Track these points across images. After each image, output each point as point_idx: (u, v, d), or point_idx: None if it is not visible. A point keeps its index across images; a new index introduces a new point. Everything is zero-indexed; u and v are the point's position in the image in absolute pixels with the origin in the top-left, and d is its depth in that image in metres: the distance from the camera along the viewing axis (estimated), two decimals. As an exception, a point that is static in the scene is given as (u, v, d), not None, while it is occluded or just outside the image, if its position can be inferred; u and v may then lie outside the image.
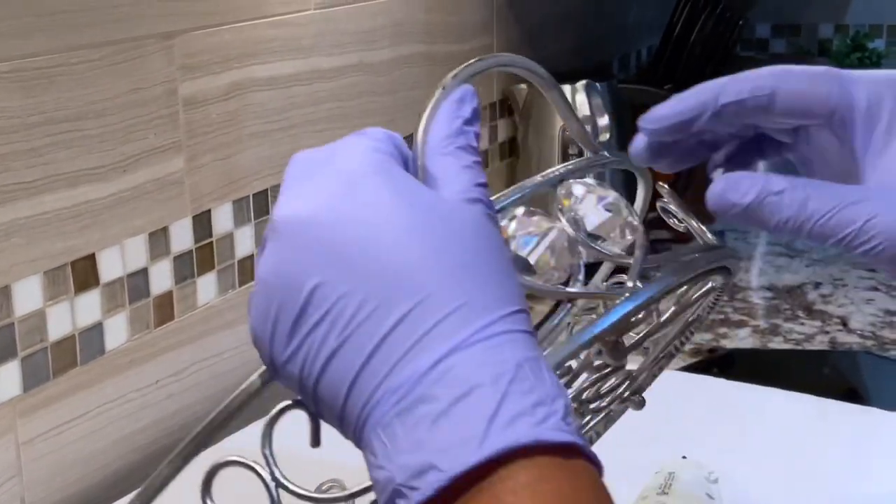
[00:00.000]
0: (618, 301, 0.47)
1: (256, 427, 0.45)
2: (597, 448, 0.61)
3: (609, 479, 0.39)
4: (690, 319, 0.58)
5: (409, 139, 0.43)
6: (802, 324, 1.29)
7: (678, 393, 1.07)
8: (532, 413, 0.36)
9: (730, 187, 0.46)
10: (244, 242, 1.07)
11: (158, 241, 0.97)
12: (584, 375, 0.53)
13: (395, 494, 0.37)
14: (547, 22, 1.61)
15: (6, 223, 0.82)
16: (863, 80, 0.48)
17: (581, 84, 0.44)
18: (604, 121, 0.46)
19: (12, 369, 0.84)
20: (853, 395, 1.20)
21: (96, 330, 0.91)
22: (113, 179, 0.92)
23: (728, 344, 1.26)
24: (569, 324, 0.52)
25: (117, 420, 0.94)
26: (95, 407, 0.92)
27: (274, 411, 0.43)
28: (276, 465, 0.44)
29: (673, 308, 0.55)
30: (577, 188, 0.50)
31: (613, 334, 0.48)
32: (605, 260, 0.50)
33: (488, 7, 1.45)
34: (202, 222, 1.01)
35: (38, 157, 0.84)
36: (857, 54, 1.93)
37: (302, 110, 1.12)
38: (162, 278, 0.97)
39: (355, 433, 0.39)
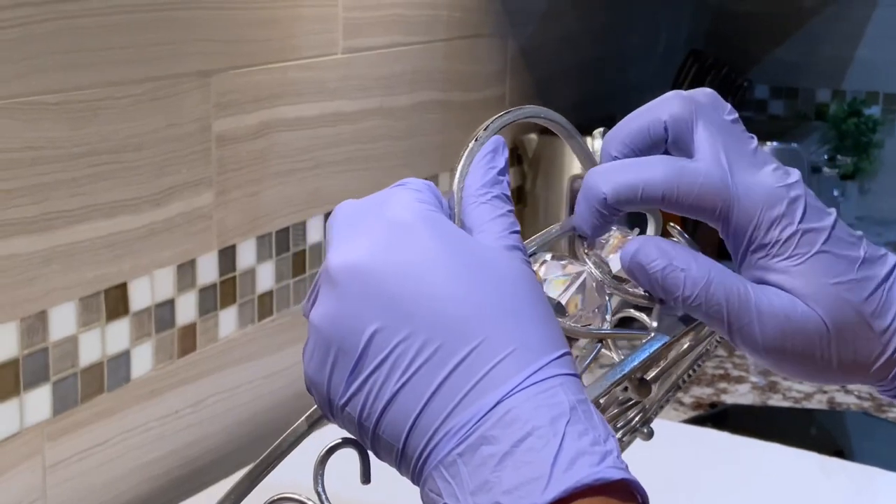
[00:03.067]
0: (644, 340, 0.50)
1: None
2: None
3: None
4: (701, 352, 0.61)
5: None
6: (801, 382, 1.32)
7: (686, 446, 1.10)
8: (591, 453, 0.39)
9: (642, 251, 0.49)
10: (265, 278, 1.09)
11: (186, 273, 0.99)
12: (611, 410, 0.56)
13: None
14: (557, 74, 1.64)
15: (47, 250, 0.84)
16: (746, 193, 0.50)
17: (598, 132, 0.46)
18: None
19: (44, 393, 0.85)
20: (842, 453, 1.22)
21: (124, 358, 0.93)
22: (146, 211, 0.94)
23: (728, 399, 1.28)
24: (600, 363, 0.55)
25: (137, 448, 0.96)
26: (118, 434, 0.93)
27: (324, 450, 0.45)
28: (328, 501, 0.46)
29: (689, 342, 0.57)
30: None
31: (640, 371, 0.51)
32: (630, 301, 0.53)
33: (502, 58, 1.49)
34: (227, 256, 1.03)
35: (79, 187, 0.87)
36: (853, 120, 1.97)
37: (325, 151, 1.15)
38: (187, 310, 0.99)
39: (415, 471, 0.41)
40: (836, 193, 1.89)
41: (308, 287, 1.15)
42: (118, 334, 0.92)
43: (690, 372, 0.63)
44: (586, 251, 0.51)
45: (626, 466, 0.40)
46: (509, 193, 0.46)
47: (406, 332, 0.41)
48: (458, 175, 0.45)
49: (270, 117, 1.07)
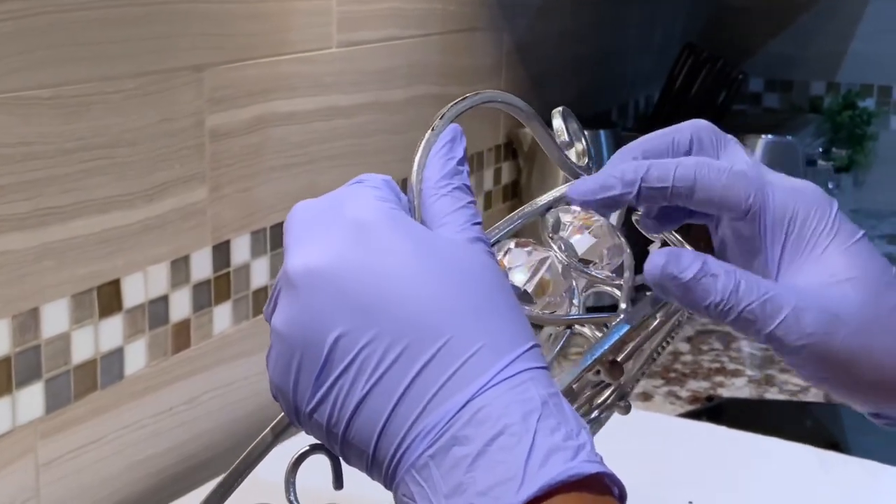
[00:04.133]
0: (614, 323, 0.49)
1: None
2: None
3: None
4: (673, 325, 0.60)
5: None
6: (797, 375, 1.32)
7: (682, 440, 1.09)
8: (564, 448, 0.38)
9: (672, 261, 0.47)
10: (260, 274, 1.08)
11: (179, 269, 0.98)
12: (584, 393, 0.55)
13: None
14: (552, 69, 1.64)
15: (39, 246, 0.84)
16: (780, 187, 0.50)
17: (557, 111, 0.45)
18: (581, 145, 0.48)
19: (37, 391, 0.85)
20: (838, 446, 1.22)
21: (117, 355, 0.92)
22: (140, 207, 0.93)
23: (725, 393, 1.28)
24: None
25: (131, 446, 0.95)
26: (112, 432, 0.93)
27: (293, 458, 0.45)
28: None
29: (660, 318, 0.56)
30: (565, 215, 0.52)
31: (611, 354, 0.50)
32: (596, 283, 0.52)
33: (497, 53, 1.48)
34: (221, 252, 1.03)
35: (72, 182, 0.86)
36: (848, 112, 1.97)
37: (320, 146, 1.14)
38: (181, 306, 0.98)
39: (386, 476, 0.40)
40: (830, 186, 1.89)
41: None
42: (111, 331, 0.91)
43: (664, 345, 0.62)
44: (551, 235, 0.50)
45: (601, 459, 0.39)
46: (469, 184, 0.45)
47: (371, 335, 0.40)
48: (415, 167, 0.44)
49: (264, 112, 1.06)
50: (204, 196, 1.00)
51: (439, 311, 0.40)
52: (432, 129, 0.45)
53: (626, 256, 0.52)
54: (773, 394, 1.28)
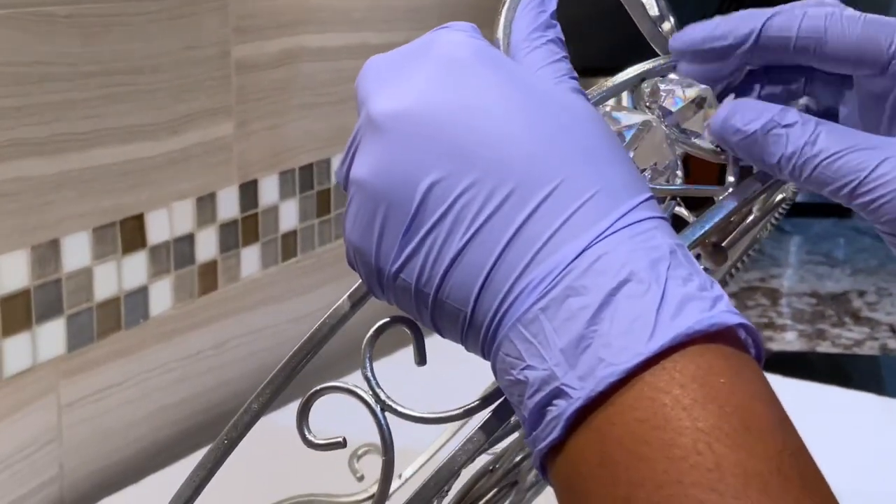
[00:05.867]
0: (722, 196, 0.44)
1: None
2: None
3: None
4: (756, 237, 0.56)
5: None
6: (850, 330, 1.26)
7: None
8: (700, 298, 0.33)
9: (736, 113, 0.42)
10: (288, 217, 1.03)
11: (205, 206, 0.93)
12: None
13: (555, 394, 0.33)
14: (587, 18, 1.58)
15: (57, 174, 0.79)
16: None
17: None
18: (669, 24, 0.45)
19: (58, 327, 0.80)
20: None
21: (141, 294, 0.87)
22: (163, 139, 0.88)
23: (774, 346, 1.23)
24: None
25: (156, 391, 0.90)
26: (136, 374, 0.88)
27: (372, 330, 0.40)
28: (380, 387, 0.41)
29: (756, 213, 0.51)
30: (664, 83, 0.47)
31: (715, 235, 0.45)
32: (699, 155, 0.47)
33: (532, -2, 1.43)
34: (248, 192, 0.98)
35: (91, 108, 0.81)
36: None
37: (350, 85, 1.09)
38: (207, 246, 0.94)
39: (486, 338, 0.36)
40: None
41: (334, 230, 1.10)
42: (135, 268, 0.86)
43: (744, 258, 0.57)
44: (648, 103, 0.45)
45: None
46: (563, 38, 0.40)
47: (470, 180, 0.35)
48: (502, 21, 0.39)
49: (293, 45, 1.01)
50: (230, 131, 0.95)
51: (548, 152, 0.35)
52: None
53: None
54: (825, 347, 1.22)
